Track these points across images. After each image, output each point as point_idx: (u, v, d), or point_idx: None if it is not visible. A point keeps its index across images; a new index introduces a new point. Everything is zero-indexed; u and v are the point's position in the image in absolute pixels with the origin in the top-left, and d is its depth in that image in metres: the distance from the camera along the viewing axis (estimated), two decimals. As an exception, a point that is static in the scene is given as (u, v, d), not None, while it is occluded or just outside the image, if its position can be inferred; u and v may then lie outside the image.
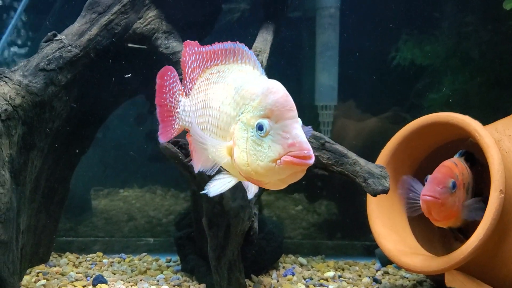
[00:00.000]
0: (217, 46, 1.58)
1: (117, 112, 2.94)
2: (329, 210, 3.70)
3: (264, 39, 2.50)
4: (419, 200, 2.21)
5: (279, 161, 1.37)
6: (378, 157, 2.62)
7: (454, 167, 2.24)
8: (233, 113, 1.46)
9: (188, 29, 2.54)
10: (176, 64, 2.44)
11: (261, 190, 2.45)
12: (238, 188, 2.20)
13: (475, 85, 3.45)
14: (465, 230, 2.32)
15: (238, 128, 1.44)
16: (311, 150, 1.37)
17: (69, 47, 2.29)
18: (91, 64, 2.39)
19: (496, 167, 2.17)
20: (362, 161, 2.20)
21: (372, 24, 3.30)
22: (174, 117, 1.75)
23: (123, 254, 3.28)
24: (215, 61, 1.58)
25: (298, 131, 1.38)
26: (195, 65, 1.65)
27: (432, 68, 3.46)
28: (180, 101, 1.73)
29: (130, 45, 2.48)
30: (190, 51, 1.66)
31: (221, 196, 2.20)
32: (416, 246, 2.52)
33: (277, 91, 1.41)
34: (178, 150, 2.14)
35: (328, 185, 3.56)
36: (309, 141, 2.25)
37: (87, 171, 3.54)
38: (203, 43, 1.66)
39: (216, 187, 1.59)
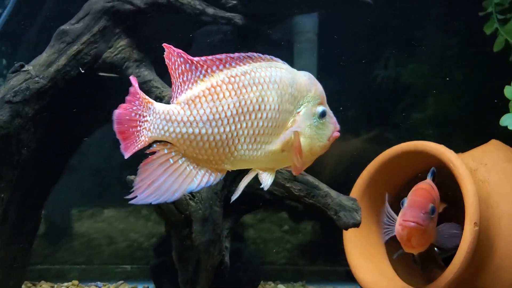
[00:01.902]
0: (230, 54, 1.56)
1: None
2: (315, 231, 3.65)
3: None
4: (392, 225, 2.14)
5: (331, 138, 1.65)
6: (353, 186, 2.59)
7: (431, 190, 2.18)
8: (291, 108, 1.58)
9: (161, 57, 2.50)
10: (147, 93, 2.41)
11: (235, 220, 2.41)
12: (208, 222, 2.16)
13: (459, 106, 3.44)
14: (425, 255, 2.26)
15: (302, 119, 1.59)
16: None
17: (36, 78, 2.25)
18: (60, 94, 2.35)
19: (470, 199, 2.14)
20: (333, 193, 2.16)
21: (353, 45, 3.29)
22: (138, 127, 1.54)
23: (99, 282, 3.23)
24: (230, 65, 1.54)
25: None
26: (184, 68, 1.55)
27: (416, 87, 3.44)
28: (152, 109, 1.54)
29: (101, 74, 2.44)
30: (174, 53, 1.56)
31: (190, 230, 2.15)
32: (393, 276, 2.48)
33: (315, 81, 1.65)
34: (145, 184, 2.09)
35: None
36: (280, 172, 2.24)
37: (67, 193, 3.50)
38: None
39: (267, 182, 1.63)
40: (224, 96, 1.51)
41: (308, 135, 1.60)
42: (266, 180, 1.62)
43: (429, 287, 2.16)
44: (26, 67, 2.27)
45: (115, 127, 1.53)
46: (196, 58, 1.54)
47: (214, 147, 1.53)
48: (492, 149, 2.46)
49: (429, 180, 2.25)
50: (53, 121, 2.42)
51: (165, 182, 1.50)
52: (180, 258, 2.22)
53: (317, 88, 1.63)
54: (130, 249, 3.62)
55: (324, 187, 2.17)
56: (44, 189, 2.68)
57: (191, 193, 2.17)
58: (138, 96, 1.55)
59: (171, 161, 1.52)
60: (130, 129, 1.53)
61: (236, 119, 1.52)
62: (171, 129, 1.51)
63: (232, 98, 1.52)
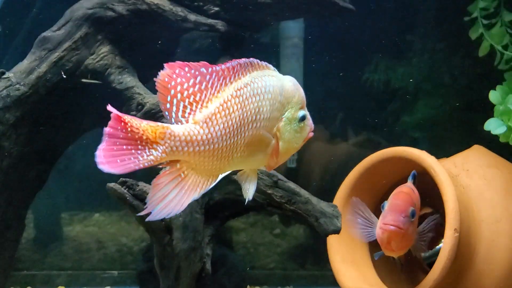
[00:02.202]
0: (232, 63, 1.57)
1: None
2: (306, 234, 3.65)
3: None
4: (370, 227, 2.13)
5: (306, 139, 1.73)
6: (336, 192, 2.59)
7: (412, 193, 2.17)
8: (278, 115, 1.66)
9: (144, 63, 2.51)
10: (129, 99, 2.41)
11: (217, 227, 2.40)
12: (189, 229, 2.16)
13: (448, 109, 3.44)
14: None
15: (283, 125, 1.67)
16: None
17: (17, 85, 2.25)
18: (42, 101, 2.35)
19: (451, 205, 2.14)
20: (314, 199, 2.16)
21: (341, 49, 3.29)
22: (145, 148, 1.47)
23: (85, 288, 3.23)
24: (235, 77, 1.58)
25: None
26: (196, 89, 1.53)
27: (405, 91, 3.45)
28: (169, 132, 1.49)
29: (83, 80, 2.44)
30: (182, 73, 1.51)
31: (170, 237, 2.15)
32: (376, 282, 2.48)
33: (299, 86, 1.72)
34: (125, 191, 2.09)
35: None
36: (261, 178, 2.23)
37: (58, 197, 3.50)
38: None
39: (250, 190, 1.68)
40: (233, 110, 1.56)
41: (287, 139, 1.68)
42: (249, 190, 1.67)
43: (410, 293, 2.16)
44: (7, 74, 2.27)
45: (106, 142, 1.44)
46: (208, 76, 1.52)
47: (220, 158, 1.57)
48: (474, 154, 2.46)
49: (409, 183, 2.25)
50: (36, 128, 2.42)
51: (177, 196, 1.52)
52: (162, 265, 2.22)
53: (300, 94, 1.71)
54: (119, 254, 3.61)
55: (305, 193, 2.17)
56: (27, 196, 2.68)
57: (171, 200, 2.16)
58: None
59: (182, 175, 1.53)
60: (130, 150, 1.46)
61: (239, 130, 1.58)
62: (191, 149, 1.51)
63: (238, 111, 1.57)
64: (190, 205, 2.15)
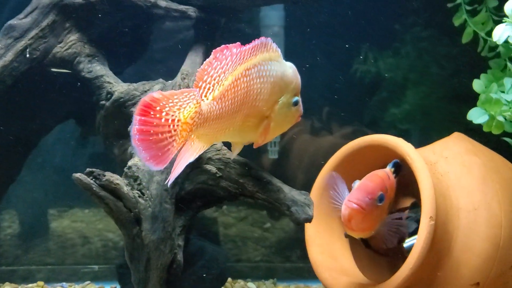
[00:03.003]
0: (252, 44, 1.73)
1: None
2: (295, 227, 3.59)
3: (193, 62, 2.42)
4: (340, 202, 2.09)
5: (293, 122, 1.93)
6: (315, 181, 2.53)
7: (386, 179, 2.12)
8: (276, 98, 1.83)
9: (116, 52, 2.46)
10: (99, 88, 2.36)
11: (190, 218, 2.34)
12: (158, 220, 2.11)
13: (435, 99, 3.39)
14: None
15: (278, 108, 1.84)
16: None
17: (-19, 74, 2.20)
18: (9, 91, 2.29)
19: (426, 193, 2.08)
20: (286, 188, 2.10)
21: (323, 38, 3.23)
22: (172, 133, 1.60)
23: (64, 283, 3.17)
24: (246, 58, 1.71)
25: None
26: (219, 70, 1.69)
27: (394, 82, 3.39)
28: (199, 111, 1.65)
29: (53, 69, 2.39)
30: (220, 56, 1.69)
31: (140, 229, 2.10)
32: (354, 272, 2.43)
33: (297, 73, 1.88)
34: (92, 182, 2.03)
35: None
36: (233, 168, 2.19)
37: (45, 193, 3.45)
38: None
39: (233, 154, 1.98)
40: (240, 88, 1.71)
41: (278, 121, 1.86)
42: (235, 152, 1.94)
43: (384, 285, 2.10)
44: (-28, 64, 2.22)
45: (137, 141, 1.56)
46: (234, 57, 1.68)
47: (221, 129, 1.73)
48: (454, 141, 2.40)
49: (388, 169, 2.19)
50: (3, 119, 2.37)
51: (183, 159, 1.65)
52: (132, 257, 2.17)
53: (297, 81, 1.88)
54: (104, 249, 3.57)
55: (276, 182, 2.11)
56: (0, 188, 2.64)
57: (140, 190, 2.12)
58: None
59: (192, 143, 1.68)
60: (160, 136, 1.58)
61: (242, 106, 1.74)
62: (210, 124, 1.68)
63: (244, 89, 1.72)
64: (159, 195, 2.13)
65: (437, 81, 3.37)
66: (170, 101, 1.57)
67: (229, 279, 3.16)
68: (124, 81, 2.39)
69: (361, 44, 3.29)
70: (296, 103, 1.88)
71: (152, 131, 1.54)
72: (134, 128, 1.53)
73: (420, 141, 2.59)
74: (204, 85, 1.67)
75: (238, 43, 1.71)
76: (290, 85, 1.86)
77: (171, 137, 1.58)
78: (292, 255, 3.52)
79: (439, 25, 3.25)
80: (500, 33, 2.25)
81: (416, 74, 3.43)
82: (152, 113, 1.54)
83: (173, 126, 1.58)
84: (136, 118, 1.53)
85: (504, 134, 2.53)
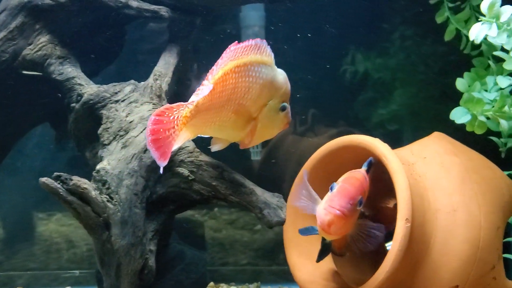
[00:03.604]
0: (246, 43, 1.81)
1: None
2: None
3: (166, 62, 2.38)
4: (311, 202, 2.04)
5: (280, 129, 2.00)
6: (293, 183, 2.48)
7: (364, 181, 2.08)
8: (264, 101, 1.88)
9: (89, 54, 2.41)
10: (70, 90, 2.32)
11: (162, 222, 2.29)
12: (128, 225, 2.06)
13: (423, 98, 3.35)
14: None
15: (266, 111, 1.90)
16: None
17: None
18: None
19: (402, 194, 2.03)
20: (259, 190, 2.06)
21: (304, 38, 3.19)
22: (172, 127, 1.75)
23: (43, 288, 3.14)
24: (238, 56, 1.78)
25: None
26: (215, 67, 1.79)
27: (381, 82, 3.35)
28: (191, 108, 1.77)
29: (24, 72, 2.35)
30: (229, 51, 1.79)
31: (109, 234, 2.05)
32: (332, 275, 2.38)
33: (287, 80, 1.94)
34: (59, 186, 1.99)
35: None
36: (206, 170, 2.14)
37: (32, 197, 3.40)
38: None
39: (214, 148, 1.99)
40: (228, 83, 1.78)
41: (265, 125, 1.92)
42: (214, 148, 1.97)
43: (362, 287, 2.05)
44: None
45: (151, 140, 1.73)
46: (229, 53, 1.79)
47: (208, 121, 1.81)
48: (433, 141, 2.35)
49: (363, 170, 2.14)
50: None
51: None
52: (103, 263, 2.12)
53: (287, 88, 1.93)
54: (89, 253, 3.52)
55: (249, 184, 2.07)
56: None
57: (109, 194, 2.07)
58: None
59: (179, 132, 1.76)
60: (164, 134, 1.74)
61: (229, 102, 1.80)
62: (200, 114, 1.77)
63: (231, 85, 1.79)
64: (129, 200, 2.09)
65: (425, 80, 3.33)
66: (174, 109, 1.76)
67: (212, 283, 3.11)
68: (99, 83, 2.35)
69: (346, 44, 3.25)
70: (283, 109, 1.93)
71: (161, 129, 1.73)
72: (148, 129, 1.72)
73: (409, 141, 2.53)
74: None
75: (236, 42, 1.79)
76: (279, 90, 1.90)
77: (174, 132, 1.74)
78: (279, 258, 3.48)
79: (425, 23, 3.21)
80: (477, 32, 2.21)
81: (403, 73, 3.39)
82: (160, 118, 1.74)
83: (176, 122, 1.74)
84: (151, 118, 1.73)
85: (490, 133, 2.49)
